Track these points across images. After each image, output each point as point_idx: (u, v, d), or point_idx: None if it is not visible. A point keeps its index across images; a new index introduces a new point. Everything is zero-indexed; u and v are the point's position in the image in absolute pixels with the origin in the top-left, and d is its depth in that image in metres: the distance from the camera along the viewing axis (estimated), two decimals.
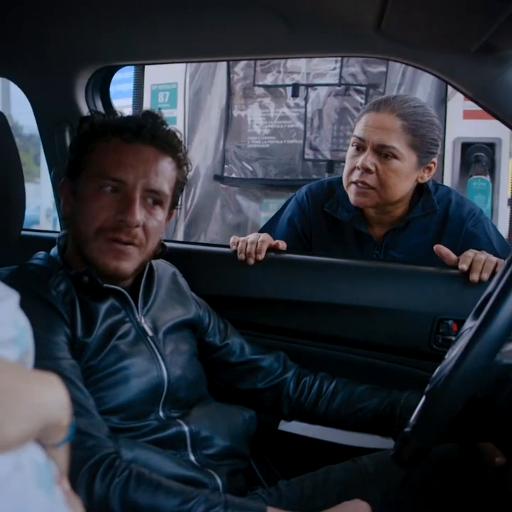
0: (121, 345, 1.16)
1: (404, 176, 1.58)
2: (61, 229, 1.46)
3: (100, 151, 1.18)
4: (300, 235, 1.76)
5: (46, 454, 0.63)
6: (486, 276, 1.37)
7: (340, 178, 1.73)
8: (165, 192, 1.21)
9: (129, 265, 1.19)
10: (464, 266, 1.39)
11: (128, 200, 1.16)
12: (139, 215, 1.16)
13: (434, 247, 1.48)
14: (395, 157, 1.55)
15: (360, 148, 1.59)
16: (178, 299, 1.34)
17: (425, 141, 1.57)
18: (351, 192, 1.62)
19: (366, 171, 1.57)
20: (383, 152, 1.56)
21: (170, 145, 1.22)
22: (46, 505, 0.59)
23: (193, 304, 1.37)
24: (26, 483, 0.57)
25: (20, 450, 0.56)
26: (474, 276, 1.37)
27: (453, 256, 1.45)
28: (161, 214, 1.22)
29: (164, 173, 1.20)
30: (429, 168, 1.63)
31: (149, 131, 1.19)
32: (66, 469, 0.68)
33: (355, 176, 1.59)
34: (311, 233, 1.76)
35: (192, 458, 1.17)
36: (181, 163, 1.25)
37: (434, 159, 1.62)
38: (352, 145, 1.62)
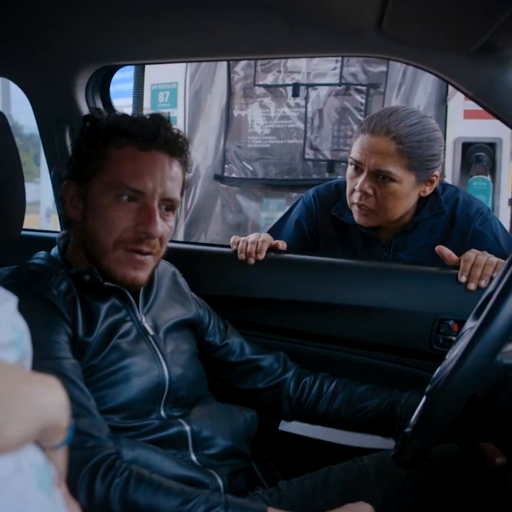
0: (123, 344, 1.16)
1: (404, 197, 1.57)
2: (61, 229, 1.46)
3: (114, 159, 1.16)
4: (307, 238, 1.75)
5: (45, 456, 0.62)
6: (483, 283, 1.37)
7: None
8: (178, 198, 1.21)
9: (145, 274, 1.19)
10: (463, 278, 1.40)
11: (148, 210, 1.15)
12: (160, 226, 1.16)
13: (436, 248, 1.48)
14: (393, 180, 1.54)
15: (358, 169, 1.58)
16: (178, 299, 1.34)
17: (423, 160, 1.54)
18: (354, 212, 1.62)
19: (365, 194, 1.57)
20: (380, 175, 1.54)
21: (180, 149, 1.21)
22: (46, 507, 0.58)
23: (192, 304, 1.36)
24: (26, 485, 0.57)
25: (19, 452, 0.56)
26: (471, 286, 1.38)
27: (454, 257, 1.45)
28: (172, 219, 1.22)
29: (176, 178, 1.20)
30: (432, 181, 1.60)
31: (163, 138, 1.17)
32: (64, 471, 0.67)
33: (356, 198, 1.59)
34: (318, 236, 1.76)
35: (193, 458, 1.17)
36: (188, 165, 1.24)
37: (436, 172, 1.59)
38: (350, 164, 1.61)
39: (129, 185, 1.14)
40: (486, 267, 1.39)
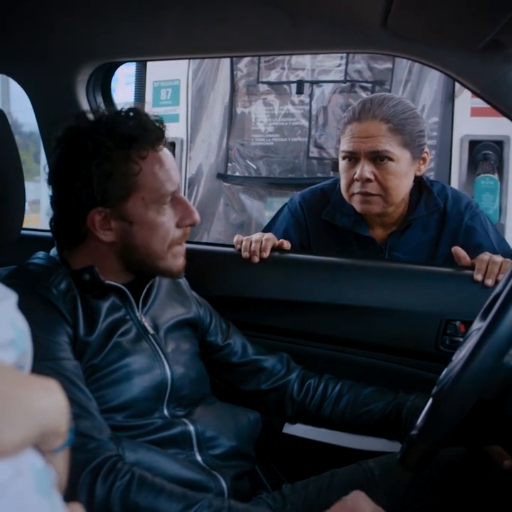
0: (123, 342, 1.16)
1: (404, 175, 1.57)
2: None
3: (145, 172, 1.15)
4: (297, 247, 1.72)
5: (45, 459, 0.62)
6: (501, 277, 1.36)
7: (333, 184, 1.72)
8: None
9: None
10: (479, 276, 1.38)
11: (183, 203, 1.20)
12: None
13: (452, 249, 1.48)
14: (391, 159, 1.54)
15: (352, 159, 1.57)
16: (178, 299, 1.33)
17: (414, 136, 1.56)
18: (356, 202, 1.60)
19: (366, 180, 1.55)
20: (377, 157, 1.54)
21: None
22: (45, 511, 0.58)
23: (193, 304, 1.36)
24: (25, 490, 0.56)
25: (18, 456, 0.55)
26: (489, 282, 1.37)
27: (468, 259, 1.45)
28: None
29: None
30: (424, 159, 1.62)
31: (162, 131, 1.19)
32: (65, 475, 0.66)
33: (356, 187, 1.58)
34: (309, 244, 1.73)
35: (199, 458, 1.16)
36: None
37: (426, 148, 1.62)
38: (343, 159, 1.60)
39: (170, 190, 1.18)
40: (504, 264, 1.38)
